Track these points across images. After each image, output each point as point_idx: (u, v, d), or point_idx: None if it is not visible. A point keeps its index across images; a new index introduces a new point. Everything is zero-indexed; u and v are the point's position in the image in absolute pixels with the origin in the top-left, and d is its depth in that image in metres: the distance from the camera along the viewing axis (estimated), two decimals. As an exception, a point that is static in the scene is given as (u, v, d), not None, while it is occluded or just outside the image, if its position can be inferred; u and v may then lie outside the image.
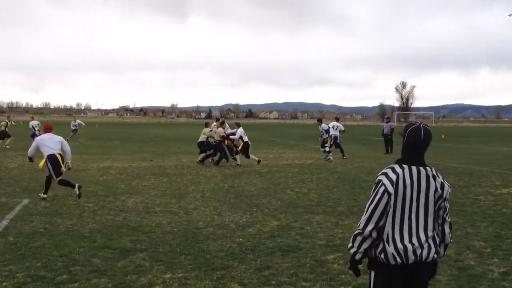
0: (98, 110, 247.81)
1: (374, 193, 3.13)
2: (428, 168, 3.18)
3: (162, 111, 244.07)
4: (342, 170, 16.92)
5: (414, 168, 3.13)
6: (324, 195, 11.64)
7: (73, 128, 34.66)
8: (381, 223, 3.10)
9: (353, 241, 3.17)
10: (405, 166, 3.14)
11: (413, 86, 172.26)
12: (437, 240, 3.23)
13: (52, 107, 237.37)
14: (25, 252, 6.67)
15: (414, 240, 3.10)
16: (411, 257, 3.08)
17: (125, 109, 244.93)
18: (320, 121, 22.79)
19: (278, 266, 6.18)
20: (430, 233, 3.16)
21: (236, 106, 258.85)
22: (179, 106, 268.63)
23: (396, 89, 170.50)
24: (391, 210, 3.09)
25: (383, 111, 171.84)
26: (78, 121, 36.10)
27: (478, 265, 6.31)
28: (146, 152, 24.05)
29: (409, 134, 3.22)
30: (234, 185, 13.23)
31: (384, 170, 3.19)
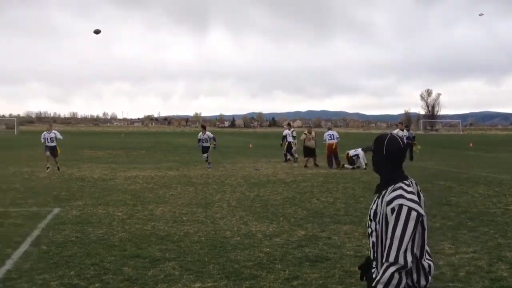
0: (124, 120, 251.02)
1: (404, 221, 2.70)
2: (411, 178, 2.99)
3: (186, 120, 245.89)
4: (368, 179, 16.82)
5: (413, 181, 2.95)
6: (350, 204, 11.60)
7: (43, 140, 20.04)
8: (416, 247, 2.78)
9: (391, 281, 2.67)
10: (408, 182, 2.90)
11: (439, 94, 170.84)
12: None
13: (79, 116, 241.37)
14: (58, 260, 6.82)
15: (429, 256, 2.93)
16: (432, 274, 2.91)
17: (150, 119, 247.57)
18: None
19: (307, 276, 6.19)
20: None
21: (259, 114, 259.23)
22: (202, 115, 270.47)
23: (422, 96, 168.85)
24: (421, 231, 2.81)
25: (408, 119, 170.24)
26: (55, 131, 20.66)
27: (511, 276, 6.21)
28: (172, 161, 24.29)
29: (388, 145, 2.93)
30: (260, 194, 13.27)
31: (398, 193, 2.79)
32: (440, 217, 10.16)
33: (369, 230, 2.98)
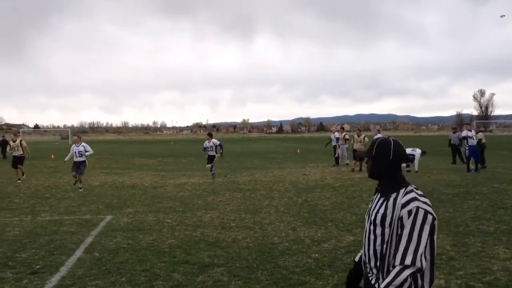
0: (173, 128, 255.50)
1: (421, 223, 2.68)
2: None
3: (234, 126, 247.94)
4: (419, 183, 16.41)
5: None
6: (401, 209, 11.35)
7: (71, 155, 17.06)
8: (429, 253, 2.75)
9: (404, 284, 2.63)
10: (413, 186, 2.90)
11: (492, 94, 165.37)
12: None
13: (130, 126, 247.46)
14: (110, 267, 6.98)
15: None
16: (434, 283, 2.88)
17: (199, 126, 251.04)
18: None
19: (356, 282, 6.08)
20: None
21: (307, 119, 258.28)
22: (250, 121, 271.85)
23: (474, 97, 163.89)
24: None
25: (460, 120, 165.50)
26: (84, 144, 17.08)
27: None
28: (220, 168, 24.49)
29: (395, 149, 2.93)
30: (308, 199, 13.18)
31: (413, 195, 2.78)
32: (494, 221, 9.80)
33: (372, 236, 2.89)
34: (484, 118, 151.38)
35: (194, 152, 44.04)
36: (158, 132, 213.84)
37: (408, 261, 2.61)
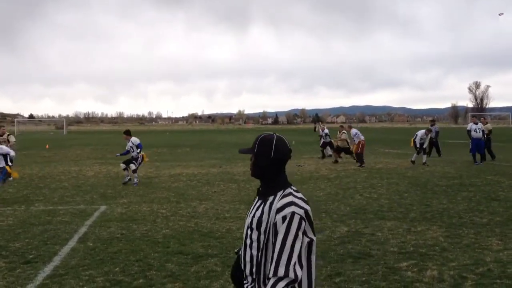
0: (169, 118, 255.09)
1: (296, 230, 2.49)
2: None
3: (229, 117, 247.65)
4: (413, 174, 16.46)
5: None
6: (395, 200, 11.37)
7: None
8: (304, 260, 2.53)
9: None
10: (295, 188, 2.68)
11: (488, 86, 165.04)
12: None
13: (125, 116, 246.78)
14: (103, 257, 6.97)
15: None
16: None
17: (194, 117, 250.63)
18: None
19: (350, 273, 6.10)
20: None
21: (303, 111, 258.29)
22: (245, 112, 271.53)
23: (470, 89, 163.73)
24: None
25: (455, 113, 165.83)
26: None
27: None
28: (215, 159, 24.48)
29: (278, 146, 2.68)
30: (302, 190, 13.18)
31: (289, 199, 2.57)
32: (488, 212, 9.84)
33: (248, 241, 2.69)
34: (480, 110, 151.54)
35: (189, 143, 44.00)
36: (153, 123, 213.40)
37: (281, 272, 2.42)
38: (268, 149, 2.66)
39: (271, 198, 2.64)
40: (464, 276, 5.90)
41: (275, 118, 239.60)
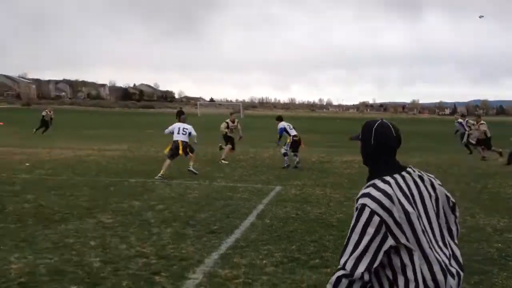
0: (339, 106, 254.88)
1: (364, 224, 2.25)
2: (410, 170, 2.40)
3: (402, 107, 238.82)
4: None
5: (399, 178, 2.33)
6: None
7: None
8: (378, 261, 2.23)
9: (337, 285, 2.26)
10: (389, 178, 2.33)
11: None
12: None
13: (297, 102, 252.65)
14: (280, 234, 7.18)
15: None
16: None
17: (365, 105, 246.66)
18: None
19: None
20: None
21: (484, 102, 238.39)
22: (420, 102, 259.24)
23: None
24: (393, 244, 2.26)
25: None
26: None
27: None
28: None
29: (377, 132, 2.46)
30: (488, 185, 12.15)
31: (366, 190, 2.33)
32: None
33: None
34: None
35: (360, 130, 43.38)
36: (324, 110, 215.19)
37: (341, 262, 2.26)
38: (369, 136, 2.51)
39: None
40: None
41: (454, 108, 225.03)
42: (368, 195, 2.28)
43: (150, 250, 6.25)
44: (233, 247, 6.47)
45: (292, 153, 15.32)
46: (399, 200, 2.24)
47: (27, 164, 14.19)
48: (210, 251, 6.27)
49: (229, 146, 16.58)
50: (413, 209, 2.25)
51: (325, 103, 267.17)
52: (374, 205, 2.24)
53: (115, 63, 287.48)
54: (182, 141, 12.80)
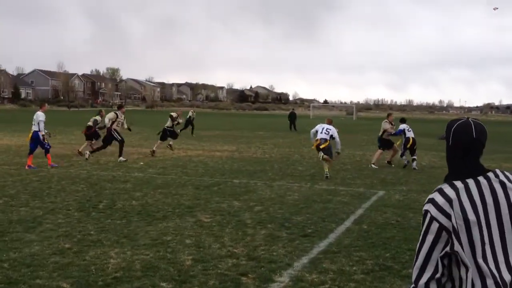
0: (461, 108, 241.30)
1: (424, 231, 2.13)
2: (491, 175, 2.15)
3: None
4: None
5: (471, 183, 2.12)
6: None
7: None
8: (440, 270, 2.09)
9: None
10: (458, 183, 2.13)
11: None
12: None
13: (414, 104, 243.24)
14: (376, 241, 6.95)
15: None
16: None
17: (490, 107, 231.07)
18: None
19: None
20: None
21: None
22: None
23: None
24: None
25: None
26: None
27: None
28: (503, 152, 22.03)
29: (455, 132, 2.25)
30: None
31: (431, 196, 2.18)
32: None
33: None
34: None
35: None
36: (443, 112, 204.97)
37: (413, 277, 2.17)
38: (448, 135, 2.36)
39: None
40: None
41: None
42: (431, 200, 2.17)
43: (241, 250, 6.37)
44: (324, 252, 6.38)
45: (410, 155, 15.85)
46: (461, 206, 2.09)
47: (141, 163, 15.14)
48: (300, 255, 6.24)
49: (380, 151, 16.23)
50: (477, 217, 2.07)
51: (445, 105, 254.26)
52: (434, 211, 2.13)
53: (233, 66, 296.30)
54: (321, 139, 13.10)
